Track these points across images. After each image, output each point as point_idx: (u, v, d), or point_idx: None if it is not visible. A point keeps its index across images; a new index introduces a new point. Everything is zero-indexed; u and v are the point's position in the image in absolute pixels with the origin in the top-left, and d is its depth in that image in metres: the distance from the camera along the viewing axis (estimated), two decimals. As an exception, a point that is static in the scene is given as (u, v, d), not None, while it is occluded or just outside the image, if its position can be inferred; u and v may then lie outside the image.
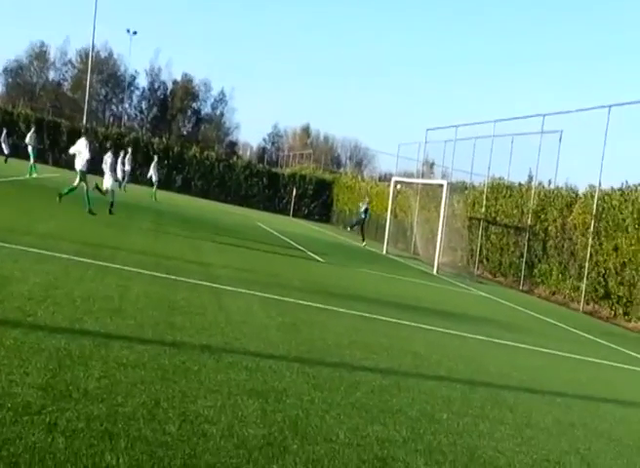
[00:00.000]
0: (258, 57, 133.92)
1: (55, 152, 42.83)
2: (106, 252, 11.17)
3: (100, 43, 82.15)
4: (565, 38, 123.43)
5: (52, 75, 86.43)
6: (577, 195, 21.41)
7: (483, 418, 6.10)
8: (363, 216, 28.30)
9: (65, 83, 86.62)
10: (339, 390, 5.91)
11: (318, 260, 18.11)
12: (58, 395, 4.38)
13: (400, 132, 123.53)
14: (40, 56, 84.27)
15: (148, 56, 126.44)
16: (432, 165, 34.52)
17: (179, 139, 69.31)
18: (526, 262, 23.15)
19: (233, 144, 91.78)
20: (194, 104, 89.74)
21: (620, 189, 19.28)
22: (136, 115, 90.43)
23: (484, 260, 26.22)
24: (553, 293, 21.77)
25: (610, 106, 19.39)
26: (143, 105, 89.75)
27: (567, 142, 22.22)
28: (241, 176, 46.70)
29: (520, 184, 24.64)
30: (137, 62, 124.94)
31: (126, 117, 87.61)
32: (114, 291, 8.06)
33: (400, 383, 6.68)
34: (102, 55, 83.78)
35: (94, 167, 17.77)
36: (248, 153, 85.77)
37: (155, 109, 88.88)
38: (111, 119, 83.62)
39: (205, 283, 10.08)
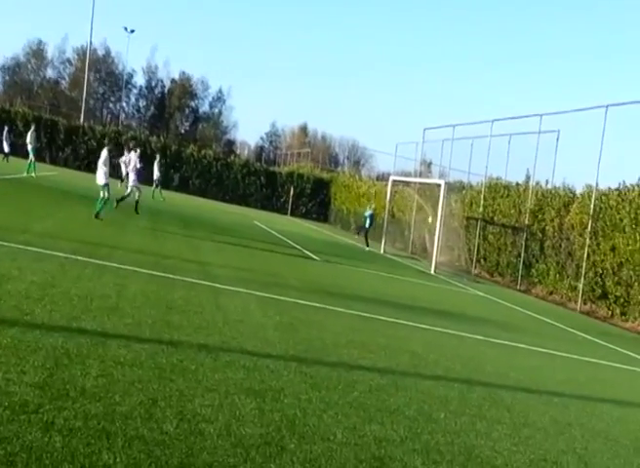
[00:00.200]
0: (255, 55, 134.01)
1: (52, 150, 42.77)
2: (104, 250, 11.15)
3: (99, 41, 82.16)
4: (563, 38, 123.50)
5: (49, 73, 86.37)
6: (574, 195, 21.43)
7: (480, 418, 6.10)
8: (367, 225, 27.88)
9: (63, 81, 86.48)
10: (336, 389, 5.91)
11: (316, 259, 18.11)
12: (55, 394, 4.38)
13: (398, 131, 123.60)
14: (37, 53, 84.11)
15: (146, 54, 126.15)
16: (430, 164, 34.55)
17: (176, 138, 69.36)
18: (523, 262, 23.17)
19: (231, 143, 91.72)
20: (192, 103, 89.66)
21: (618, 189, 19.29)
22: (133, 113, 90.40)
23: (481, 260, 26.23)
24: (551, 293, 21.79)
25: (607, 106, 19.40)
26: (141, 104, 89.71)
27: (564, 142, 22.27)
28: (239, 175, 46.64)
29: (518, 184, 24.66)
30: (134, 61, 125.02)
31: (123, 115, 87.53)
32: (112, 289, 8.05)
33: (398, 383, 6.68)
34: (100, 53, 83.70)
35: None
36: (246, 152, 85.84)
37: (153, 108, 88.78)
38: (109, 117, 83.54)
39: (202, 282, 10.07)
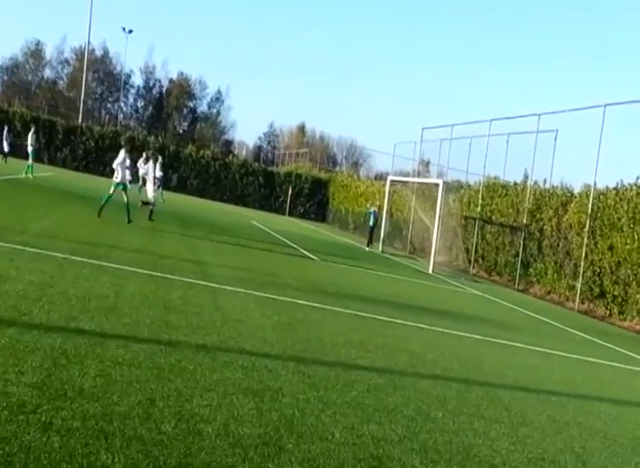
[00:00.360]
0: (253, 55, 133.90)
1: (50, 151, 42.74)
2: (102, 250, 11.15)
3: (97, 42, 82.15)
4: (561, 37, 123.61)
5: (47, 73, 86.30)
6: (572, 194, 21.46)
7: (478, 417, 6.11)
8: (371, 223, 27.83)
9: (61, 81, 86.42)
10: (334, 389, 5.91)
11: (314, 259, 18.11)
12: (53, 394, 4.38)
13: (396, 131, 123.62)
14: (35, 54, 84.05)
15: (144, 54, 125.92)
16: (428, 164, 34.57)
17: (174, 138, 69.34)
18: (521, 261, 23.19)
19: (229, 143, 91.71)
20: (190, 103, 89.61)
21: (616, 188, 19.32)
22: (131, 114, 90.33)
23: (479, 259, 26.26)
24: (548, 293, 21.81)
25: (605, 105, 19.42)
26: (139, 104, 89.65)
27: (562, 142, 22.30)
28: (237, 175, 46.63)
29: (516, 183, 24.68)
30: (133, 61, 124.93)
31: (121, 116, 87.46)
32: (110, 289, 8.05)
33: (395, 382, 6.69)
34: (98, 53, 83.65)
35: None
36: (244, 152, 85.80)
37: (151, 108, 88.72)
38: (107, 118, 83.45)
39: (201, 282, 10.07)
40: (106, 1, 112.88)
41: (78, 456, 3.61)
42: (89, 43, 58.06)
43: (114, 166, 16.56)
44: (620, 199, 18.77)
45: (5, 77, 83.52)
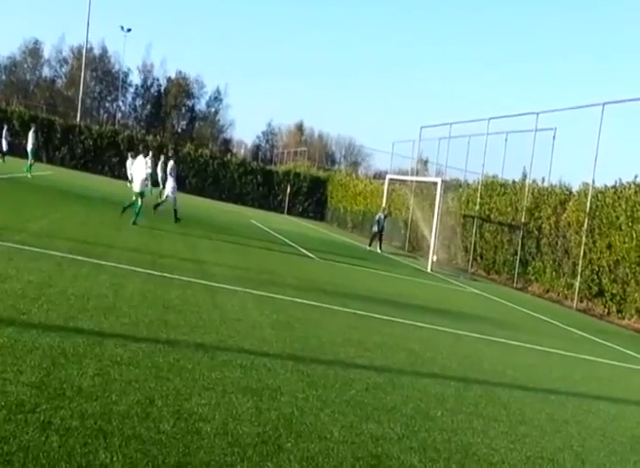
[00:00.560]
0: (252, 54, 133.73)
1: (49, 149, 42.70)
2: (101, 249, 11.14)
3: (96, 41, 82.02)
4: (559, 36, 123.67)
5: (46, 72, 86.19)
6: (570, 193, 21.46)
7: (477, 416, 6.12)
8: (376, 228, 27.71)
9: (59, 80, 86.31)
10: (333, 388, 5.92)
11: (312, 258, 18.11)
12: (52, 393, 4.38)
13: (394, 129, 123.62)
14: (34, 53, 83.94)
15: (142, 53, 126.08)
16: (426, 162, 34.55)
17: (173, 137, 69.25)
18: (520, 260, 23.20)
19: (227, 142, 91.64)
20: (188, 102, 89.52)
21: (614, 187, 19.32)
22: (130, 112, 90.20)
23: (478, 258, 26.26)
24: (547, 291, 21.82)
25: (604, 104, 19.42)
26: (137, 103, 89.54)
27: (561, 140, 22.32)
28: (235, 174, 46.62)
29: (514, 182, 24.68)
30: (132, 60, 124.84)
31: (120, 114, 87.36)
32: (108, 289, 8.05)
33: (394, 381, 6.69)
34: (97, 52, 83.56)
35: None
36: (242, 151, 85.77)
37: (149, 106, 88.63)
38: (105, 116, 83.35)
39: (199, 281, 10.07)
40: (105, 0, 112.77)
41: (77, 456, 3.61)
42: (87, 42, 58.06)
43: (144, 175, 16.99)
44: (619, 197, 18.78)
45: (3, 76, 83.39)
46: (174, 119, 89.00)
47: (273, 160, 71.71)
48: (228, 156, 51.63)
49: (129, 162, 35.13)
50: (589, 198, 19.73)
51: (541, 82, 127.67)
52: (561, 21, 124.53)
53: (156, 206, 19.81)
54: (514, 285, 23.08)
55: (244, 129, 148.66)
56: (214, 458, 3.95)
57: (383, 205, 29.64)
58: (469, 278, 23.30)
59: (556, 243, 21.38)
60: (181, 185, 44.37)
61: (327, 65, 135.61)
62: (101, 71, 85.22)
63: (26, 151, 28.02)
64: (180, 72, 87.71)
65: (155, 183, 25.10)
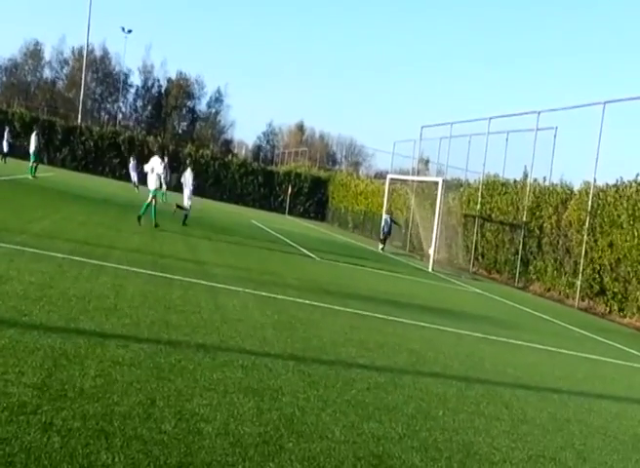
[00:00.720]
0: (251, 54, 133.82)
1: (50, 151, 42.74)
2: (102, 250, 11.15)
3: (97, 42, 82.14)
4: (560, 35, 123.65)
5: (46, 74, 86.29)
6: (572, 192, 21.44)
7: (479, 415, 6.12)
8: (387, 229, 27.85)
9: (60, 82, 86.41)
10: (334, 388, 5.92)
11: (313, 258, 18.12)
12: (53, 394, 4.38)
13: (395, 129, 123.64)
14: (34, 54, 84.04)
15: (142, 54, 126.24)
16: (427, 162, 34.54)
17: (173, 138, 69.28)
18: (521, 259, 23.19)
19: (228, 143, 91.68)
20: (189, 103, 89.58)
21: (615, 185, 19.30)
22: (131, 113, 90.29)
23: (479, 257, 26.26)
24: (548, 290, 21.81)
25: (605, 103, 19.41)
26: (138, 104, 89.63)
27: (562, 139, 22.31)
28: (236, 175, 46.65)
29: (515, 181, 24.67)
30: (132, 61, 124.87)
31: (121, 116, 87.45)
32: (110, 289, 8.06)
33: (396, 380, 6.69)
34: (98, 54, 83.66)
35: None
36: (243, 151, 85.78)
37: (150, 107, 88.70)
38: (106, 118, 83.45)
39: (200, 281, 10.08)
40: (105, 0, 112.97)
41: (79, 456, 3.61)
42: (88, 43, 58.09)
43: (157, 173, 17.23)
44: (620, 196, 18.76)
45: (4, 78, 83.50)
46: (174, 120, 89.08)
47: (274, 160, 71.72)
48: (229, 157, 51.66)
49: (131, 165, 35.37)
50: (591, 197, 19.71)
51: (542, 81, 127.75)
52: (562, 20, 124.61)
53: (178, 208, 19.97)
54: (515, 284, 23.08)
55: (245, 129, 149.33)
56: (215, 458, 3.95)
57: (386, 207, 29.65)
58: (470, 277, 23.30)
59: (557, 242, 21.37)
60: (182, 186, 44.66)
61: (327, 65, 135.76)
62: (102, 73, 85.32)
63: (29, 153, 28.06)
64: (181, 73, 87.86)
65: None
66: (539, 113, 23.05)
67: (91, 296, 7.45)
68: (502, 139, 25.05)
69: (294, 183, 47.32)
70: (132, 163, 35.86)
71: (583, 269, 19.73)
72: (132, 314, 7.03)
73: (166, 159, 19.41)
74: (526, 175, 24.00)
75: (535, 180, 23.47)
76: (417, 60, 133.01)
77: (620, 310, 18.53)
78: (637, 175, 18.51)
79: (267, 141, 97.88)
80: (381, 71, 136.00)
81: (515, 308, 16.54)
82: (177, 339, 6.41)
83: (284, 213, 45.63)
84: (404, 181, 31.98)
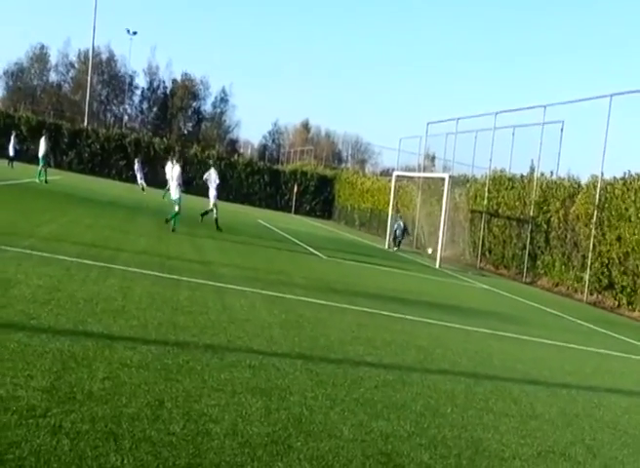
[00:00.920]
0: (256, 54, 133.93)
1: (56, 154, 42.88)
2: (109, 253, 11.19)
3: (102, 44, 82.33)
4: (566, 28, 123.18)
5: (52, 77, 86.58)
6: (579, 185, 21.36)
7: (487, 411, 6.11)
8: (399, 233, 27.89)
9: (66, 85, 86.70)
10: (342, 386, 5.92)
11: (320, 257, 18.12)
12: (62, 397, 4.41)
13: (401, 126, 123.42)
14: (40, 58, 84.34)
15: (147, 55, 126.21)
16: (433, 158, 34.48)
17: (179, 139, 69.36)
18: (529, 254, 23.13)
19: (234, 142, 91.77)
20: (194, 103, 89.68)
21: (623, 179, 19.21)
22: (137, 115, 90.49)
23: (486, 253, 26.20)
24: (556, 285, 21.74)
25: (611, 95, 19.31)
26: (144, 106, 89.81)
27: (569, 133, 22.20)
28: (242, 174, 46.68)
29: (522, 176, 24.59)
30: (138, 63, 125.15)
31: (127, 118, 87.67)
32: (117, 292, 8.08)
33: (404, 378, 6.69)
34: (104, 56, 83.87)
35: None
36: (249, 151, 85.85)
37: (156, 109, 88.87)
38: (112, 120, 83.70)
39: (207, 282, 10.10)
40: (109, 2, 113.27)
41: (88, 459, 3.63)
42: (94, 46, 58.25)
43: (175, 180, 17.67)
44: (628, 189, 18.68)
45: (10, 82, 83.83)
46: (180, 121, 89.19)
47: (280, 159, 71.76)
48: (235, 156, 51.70)
49: (136, 166, 35.53)
50: (598, 190, 19.64)
51: (548, 75, 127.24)
52: (567, 14, 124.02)
53: (207, 212, 20.07)
54: (523, 279, 23.01)
55: (250, 129, 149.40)
56: (224, 459, 3.97)
57: (394, 205, 29.63)
58: (478, 273, 23.25)
59: (565, 236, 21.29)
60: (188, 186, 44.73)
61: (332, 63, 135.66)
62: (108, 75, 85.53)
63: (37, 157, 28.15)
64: (186, 74, 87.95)
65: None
66: (545, 107, 22.97)
67: (98, 299, 7.48)
68: (509, 134, 24.98)
69: (300, 182, 47.32)
70: (137, 164, 36.00)
71: (592, 263, 19.66)
72: (139, 316, 7.06)
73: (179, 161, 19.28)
74: (533, 170, 23.93)
75: (542, 175, 23.39)
76: (422, 58, 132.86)
77: (629, 304, 18.45)
78: (645, 168, 18.42)
79: (273, 140, 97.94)
80: (387, 69, 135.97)
81: (523, 303, 16.50)
82: (184, 340, 6.43)
83: (290, 211, 45.65)
84: (410, 178, 31.93)
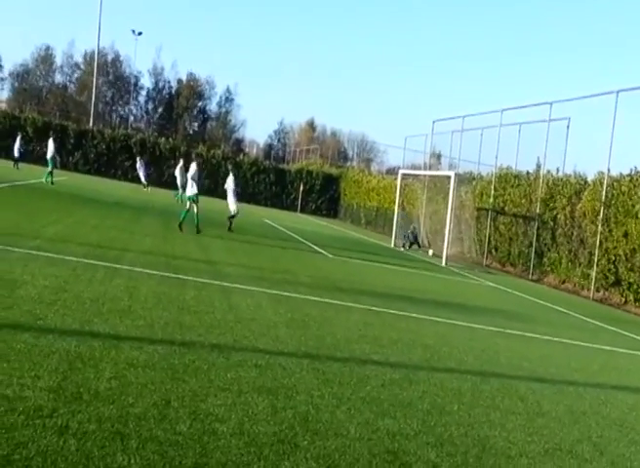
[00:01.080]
0: (261, 53, 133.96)
1: (62, 155, 42.99)
2: (115, 253, 11.22)
3: (107, 45, 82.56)
4: (571, 26, 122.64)
5: (58, 78, 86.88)
6: (585, 182, 21.29)
7: (494, 409, 6.10)
8: (411, 238, 28.02)
9: (72, 86, 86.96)
10: (349, 385, 5.92)
11: (326, 255, 18.12)
12: (69, 397, 4.42)
13: (407, 124, 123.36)
14: (46, 59, 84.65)
15: (153, 55, 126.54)
16: (439, 156, 34.41)
17: (185, 139, 69.52)
18: (535, 251, 23.07)
19: (239, 142, 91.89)
20: (200, 103, 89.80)
21: (630, 175, 19.14)
22: (142, 115, 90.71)
23: (493, 251, 26.14)
24: (563, 282, 21.68)
25: (617, 92, 19.24)
26: (150, 106, 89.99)
27: (575, 129, 22.13)
28: (248, 174, 46.71)
29: (528, 173, 24.51)
30: (143, 63, 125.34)
31: (132, 118, 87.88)
32: (123, 292, 8.11)
33: (410, 376, 6.69)
34: (109, 57, 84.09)
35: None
36: (254, 150, 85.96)
37: (161, 109, 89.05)
38: (118, 121, 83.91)
39: (213, 281, 10.11)
40: (114, 3, 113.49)
41: (95, 459, 3.64)
42: (99, 47, 58.38)
43: (189, 179, 17.59)
44: (635, 185, 18.61)
45: (16, 83, 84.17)
46: (186, 121, 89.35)
47: (285, 158, 71.78)
48: (241, 156, 51.76)
49: (138, 165, 35.70)
50: (605, 187, 19.57)
51: (554, 72, 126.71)
52: (572, 11, 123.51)
53: (230, 219, 20.21)
54: (530, 276, 22.96)
55: (256, 128, 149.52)
56: (230, 458, 3.97)
57: (399, 203, 29.63)
58: (484, 271, 23.21)
59: (572, 233, 21.23)
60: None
61: (332, 63, 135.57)
62: (113, 75, 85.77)
63: (43, 158, 28.25)
64: (191, 74, 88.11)
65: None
66: (551, 104, 22.88)
67: (105, 299, 7.50)
68: (515, 131, 24.91)
69: (305, 181, 47.32)
70: (139, 163, 36.08)
71: (598, 260, 19.59)
72: (145, 316, 7.08)
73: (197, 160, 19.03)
74: (539, 167, 23.85)
75: (548, 172, 23.31)
76: (423, 58, 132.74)
77: (636, 300, 18.38)
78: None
79: (278, 140, 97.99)
80: (387, 69, 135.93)
81: (529, 301, 16.46)
82: (190, 340, 6.44)
83: (296, 210, 45.67)
84: (416, 176, 31.88)
